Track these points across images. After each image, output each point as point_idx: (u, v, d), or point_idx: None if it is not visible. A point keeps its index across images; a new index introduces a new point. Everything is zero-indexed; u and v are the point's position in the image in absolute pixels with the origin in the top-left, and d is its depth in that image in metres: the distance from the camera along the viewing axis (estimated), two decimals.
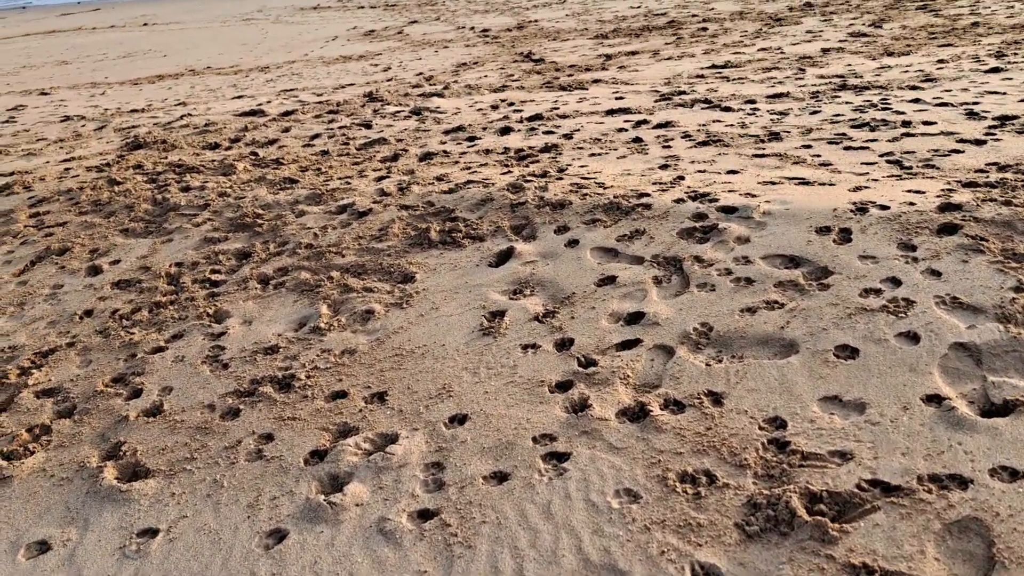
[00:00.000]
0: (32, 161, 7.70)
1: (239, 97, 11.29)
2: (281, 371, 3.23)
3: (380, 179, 5.45)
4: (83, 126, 9.78)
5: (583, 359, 2.96)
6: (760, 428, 2.45)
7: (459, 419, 2.75)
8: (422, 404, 2.87)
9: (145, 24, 29.81)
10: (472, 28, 17.24)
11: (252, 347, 3.46)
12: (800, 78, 7.86)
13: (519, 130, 6.76)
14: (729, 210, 3.87)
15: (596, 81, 9.00)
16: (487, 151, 6.10)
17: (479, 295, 3.57)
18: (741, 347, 2.87)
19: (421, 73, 11.96)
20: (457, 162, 5.85)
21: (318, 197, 5.13)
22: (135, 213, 5.38)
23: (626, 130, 6.28)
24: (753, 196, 4.06)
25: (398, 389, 2.98)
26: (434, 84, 10.51)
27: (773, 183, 4.37)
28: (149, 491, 2.66)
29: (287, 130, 7.93)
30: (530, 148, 6.00)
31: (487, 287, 3.63)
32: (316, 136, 7.43)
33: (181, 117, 9.49)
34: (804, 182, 4.36)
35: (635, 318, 3.16)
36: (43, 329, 3.99)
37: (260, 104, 10.17)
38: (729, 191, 4.20)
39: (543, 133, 6.51)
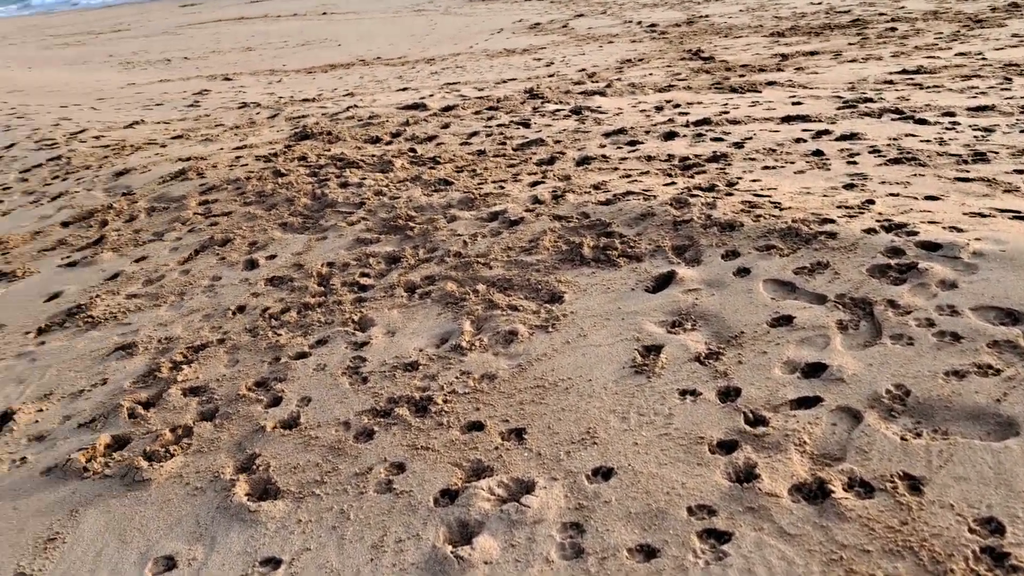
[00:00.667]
0: (209, 147, 8.07)
1: (404, 89, 11.46)
2: (419, 391, 3.06)
3: (535, 184, 5.23)
4: (258, 113, 10.22)
5: (751, 415, 2.60)
6: (970, 530, 2.02)
7: (603, 473, 2.46)
8: (563, 448, 2.61)
9: (324, 13, 31.20)
10: (639, 23, 16.76)
11: (392, 361, 3.32)
12: (1006, 88, 6.95)
13: (684, 135, 6.34)
14: (931, 247, 3.35)
15: (770, 83, 8.39)
16: (649, 158, 5.75)
17: (633, 324, 3.26)
18: (946, 420, 2.41)
19: (584, 69, 11.67)
20: (616, 168, 5.53)
21: (471, 202, 4.97)
22: (295, 207, 5.44)
23: (804, 140, 5.73)
24: (959, 231, 3.50)
25: (538, 427, 2.74)
26: (596, 81, 10.20)
27: (982, 215, 3.78)
28: (277, 514, 2.55)
29: (446, 126, 7.89)
30: (696, 156, 5.59)
31: (642, 316, 3.31)
32: (474, 134, 7.33)
33: (347, 108, 9.71)
34: (1020, 216, 3.73)
35: (815, 370, 2.76)
36: (198, 322, 4.05)
37: (423, 97, 10.25)
38: (929, 222, 3.66)
39: (711, 140, 6.07)
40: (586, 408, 2.79)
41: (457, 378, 3.12)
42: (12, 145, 9.29)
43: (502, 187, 5.24)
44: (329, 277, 4.30)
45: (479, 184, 5.39)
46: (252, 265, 4.66)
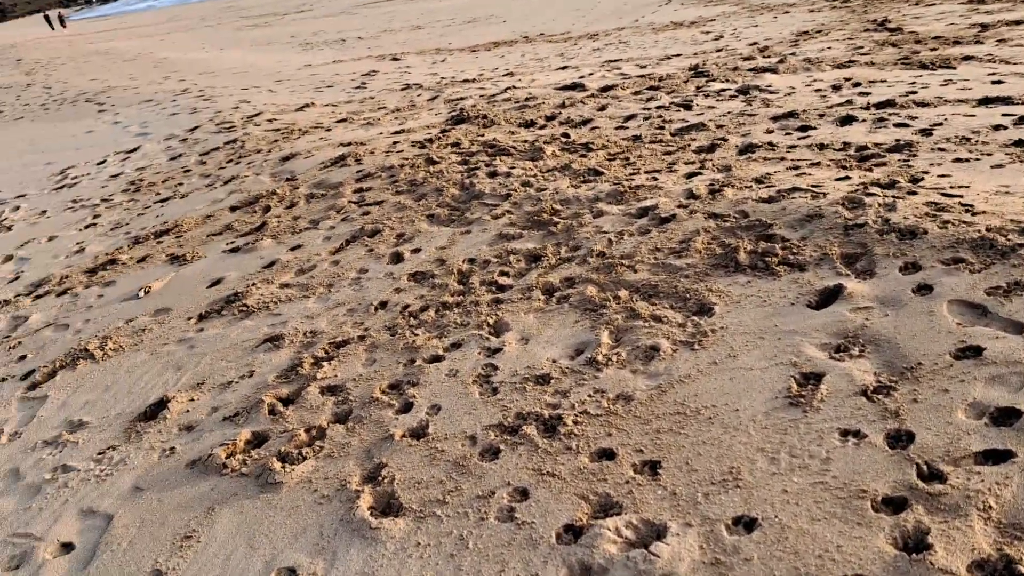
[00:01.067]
0: (369, 131, 8.25)
1: (564, 68, 11.24)
2: (549, 408, 2.90)
3: (691, 176, 4.89)
4: (419, 95, 10.37)
5: (926, 468, 2.23)
6: None
7: (746, 523, 2.20)
8: (701, 489, 2.36)
9: None
10: None
11: (524, 372, 3.17)
12: None
13: (864, 120, 5.74)
14: None
15: (967, 58, 7.47)
16: (821, 146, 5.24)
17: (790, 346, 2.93)
18: None
19: (755, 43, 10.96)
20: (783, 158, 5.08)
21: (620, 195, 4.72)
22: (443, 198, 5.40)
23: (1005, 127, 5.01)
24: None
25: (675, 461, 2.50)
26: (768, 56, 9.53)
27: None
28: (397, 533, 2.48)
29: (603, 108, 7.62)
30: (876, 146, 5.03)
31: (802, 336, 2.97)
32: (631, 117, 7.02)
33: (506, 90, 9.63)
34: None
35: (1007, 416, 2.33)
36: (342, 316, 4.08)
37: (582, 76, 9.99)
38: None
39: (894, 126, 5.45)
40: (730, 443, 2.51)
41: (590, 396, 2.92)
42: (196, 128, 9.96)
43: (655, 178, 4.94)
44: (469, 275, 4.21)
45: (631, 174, 5.12)
46: (398, 259, 4.66)
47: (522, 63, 12.65)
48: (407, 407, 3.15)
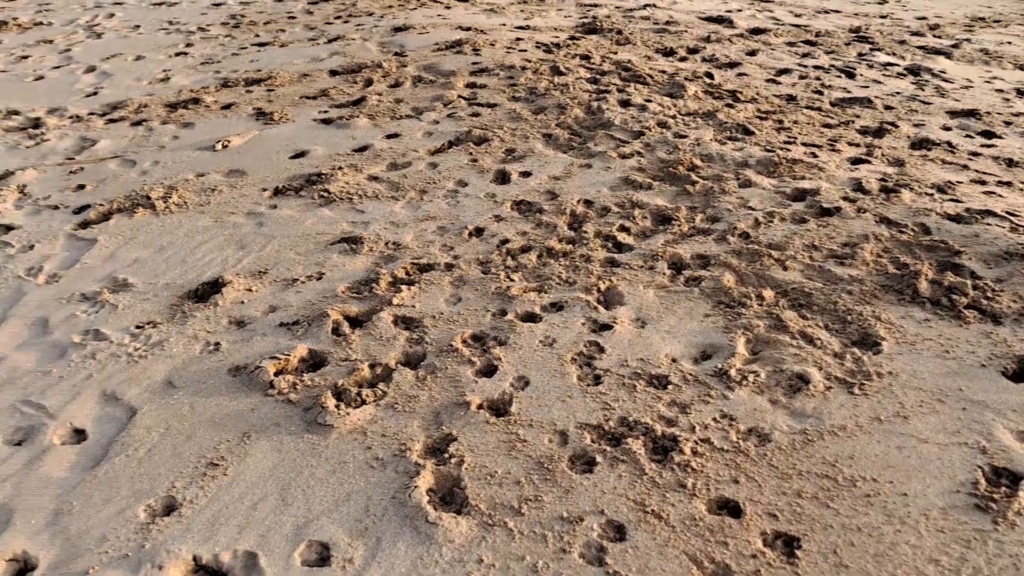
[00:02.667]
0: (491, 19, 7.53)
1: None
2: (662, 423, 2.37)
3: (856, 163, 4.18)
4: None
5: None
6: None
7: None
8: None
9: None
10: None
11: (636, 364, 2.64)
12: None
13: None
14: None
15: None
16: (1011, 162, 4.45)
17: (979, 423, 2.33)
18: None
19: (924, 18, 9.77)
20: (966, 166, 4.32)
21: (772, 165, 4.05)
22: (564, 117, 4.77)
23: None
24: None
25: (818, 545, 1.97)
26: (939, 37, 8.45)
27: None
28: (456, 538, 2.02)
29: (753, 53, 6.78)
30: None
31: (994, 414, 2.37)
32: (784, 72, 6.20)
33: (644, 7, 8.74)
34: None
35: None
36: (431, 234, 3.56)
37: (730, 11, 9.02)
38: None
39: None
40: (893, 540, 1.97)
41: (716, 421, 2.38)
42: None
43: (815, 154, 4.24)
44: (583, 220, 3.63)
45: (785, 143, 4.42)
46: (503, 178, 4.09)
47: None
48: (490, 370, 2.65)
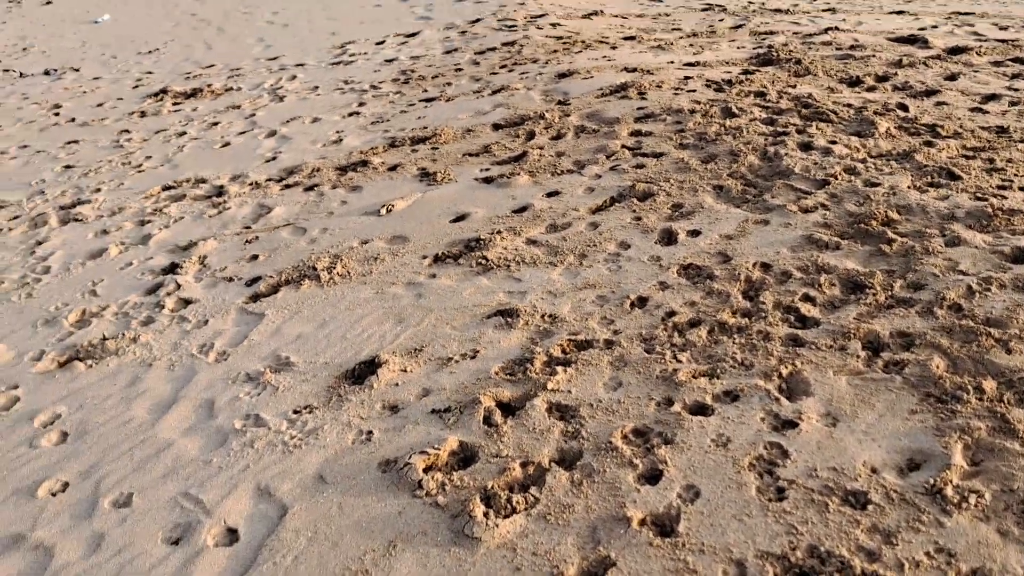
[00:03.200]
0: (659, 57, 7.26)
1: (899, 12, 9.39)
2: (863, 559, 2.00)
3: None
4: (721, 20, 9.11)
5: None
6: None
7: None
8: None
9: None
10: None
11: (827, 475, 2.27)
12: None
13: None
14: None
15: None
16: None
17: None
18: None
19: None
20: None
21: (986, 218, 3.50)
22: (738, 166, 4.42)
23: None
24: None
25: None
26: None
27: None
28: None
29: (953, 77, 6.06)
30: None
31: None
32: (992, 98, 5.47)
33: (825, 31, 8.13)
34: None
35: None
36: (590, 304, 3.35)
37: (923, 29, 8.22)
38: None
39: None
40: None
41: (930, 557, 1.98)
42: (478, 20, 9.45)
43: None
44: (760, 287, 3.27)
45: (999, 188, 3.83)
46: (669, 238, 3.81)
47: None
48: (654, 475, 2.38)
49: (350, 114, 6.67)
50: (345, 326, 3.46)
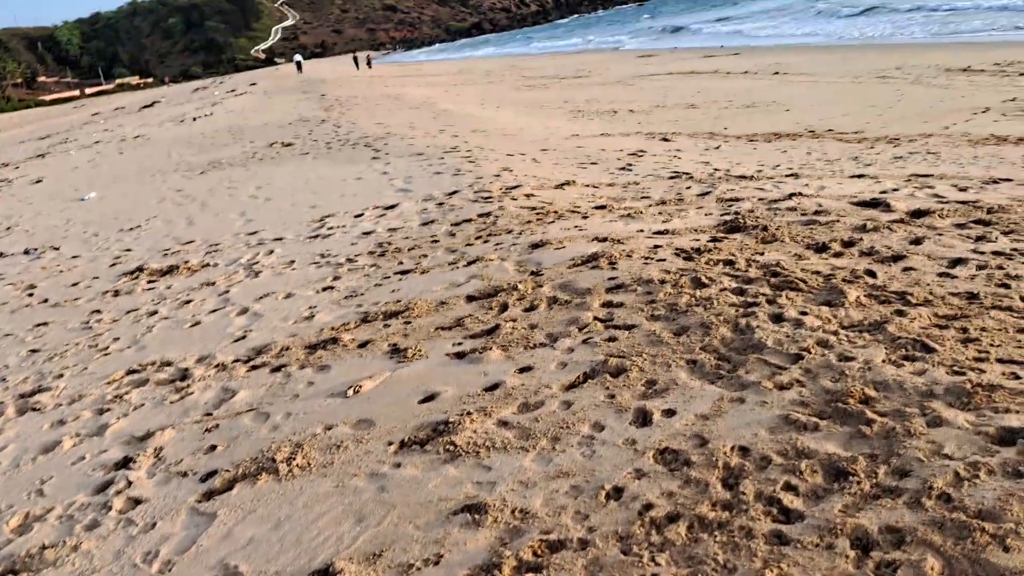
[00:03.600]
0: (629, 226, 7.41)
1: (860, 176, 9.77)
2: None
3: None
4: (688, 188, 9.41)
5: None
6: None
7: None
8: None
9: (776, 73, 29.99)
10: None
11: None
12: None
13: None
14: None
15: None
16: None
17: None
18: None
19: None
20: None
21: (965, 396, 3.40)
22: (710, 339, 4.36)
23: None
24: None
25: None
26: None
27: None
28: None
29: (918, 241, 6.18)
30: None
31: None
32: (959, 262, 5.55)
33: (790, 196, 8.39)
34: None
35: None
36: (563, 496, 3.16)
37: (885, 192, 8.50)
38: None
39: None
40: None
41: None
42: (455, 192, 9.72)
43: (1016, 375, 3.56)
44: (739, 475, 3.11)
45: (976, 359, 3.77)
46: (644, 419, 3.68)
47: (808, 163, 11.31)
48: None
49: (324, 288, 6.67)
50: (301, 527, 3.24)
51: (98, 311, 7.07)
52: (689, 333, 4.51)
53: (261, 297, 6.68)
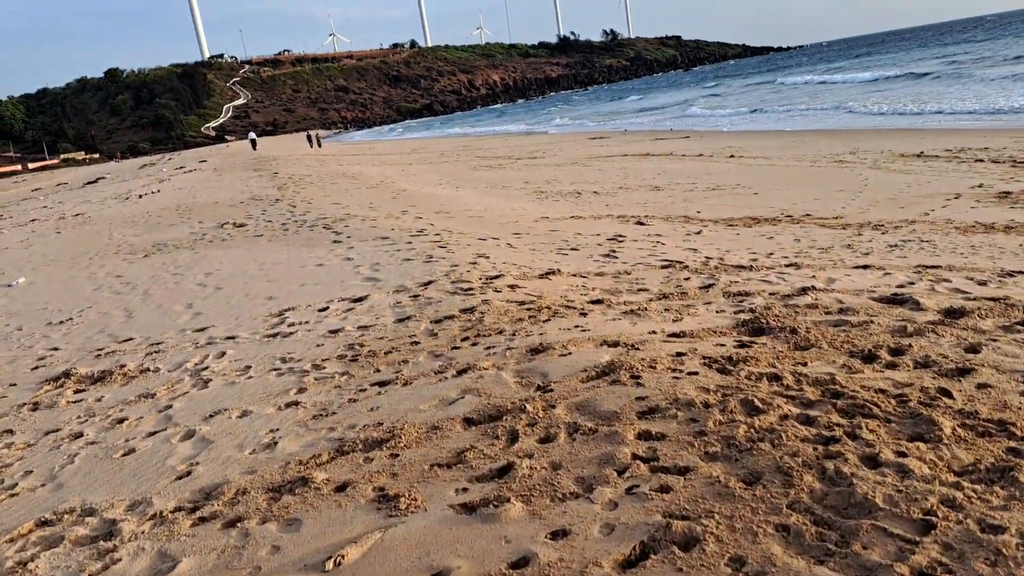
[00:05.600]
0: (637, 326, 6.54)
1: (864, 267, 9.13)
2: None
3: None
4: (686, 279, 8.63)
5: None
6: None
7: None
8: None
9: (732, 156, 30.16)
10: None
11: None
12: None
13: None
14: None
15: None
16: None
17: None
18: None
19: None
20: None
21: None
22: (796, 493, 3.43)
23: None
24: None
25: None
26: None
27: None
28: None
29: (973, 350, 5.42)
30: None
31: None
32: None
33: (803, 290, 7.65)
34: None
35: None
36: None
37: (902, 285, 7.84)
38: None
39: None
40: None
41: None
42: (430, 283, 8.77)
43: None
44: None
45: None
46: None
47: (802, 251, 10.69)
48: None
49: (288, 404, 5.59)
50: None
51: (9, 431, 5.85)
52: (765, 482, 3.58)
53: (211, 415, 5.56)
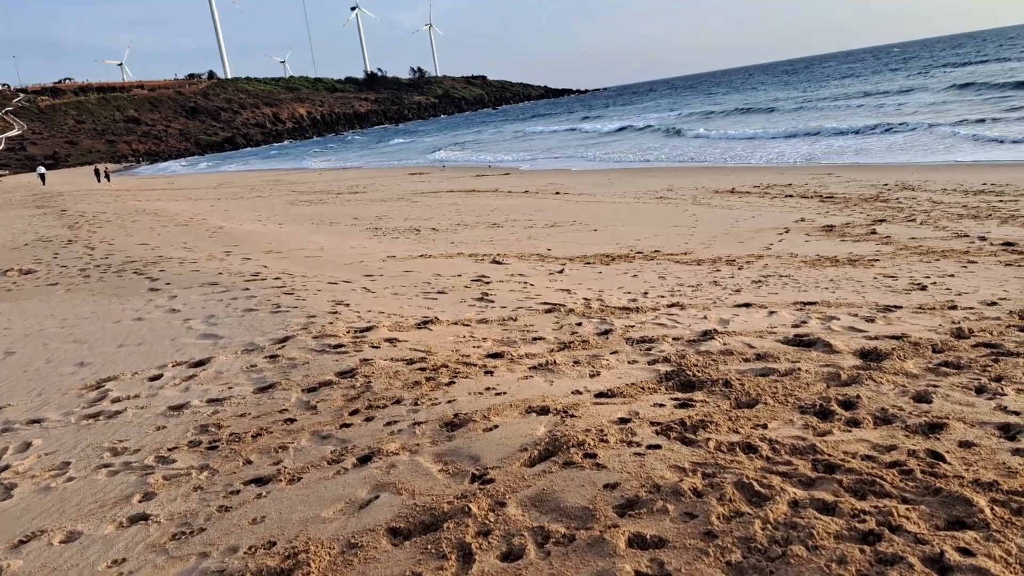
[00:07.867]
0: (555, 384, 5.70)
1: (746, 305, 8.88)
2: None
3: None
4: (579, 324, 7.92)
5: None
6: None
7: None
8: None
9: (557, 193, 30.47)
10: (984, 238, 13.56)
11: None
12: None
13: None
14: None
15: None
16: None
17: None
18: None
19: (993, 303, 8.50)
20: None
21: None
22: None
23: None
24: None
25: None
26: None
27: None
28: None
29: (921, 399, 5.08)
30: None
31: None
32: (1006, 428, 4.44)
33: (705, 334, 7.17)
34: None
35: None
36: None
37: (797, 325, 7.58)
38: None
39: None
40: None
41: None
42: (287, 339, 7.44)
43: None
44: None
45: None
46: None
47: (674, 289, 10.38)
48: None
49: (133, 519, 4.19)
50: None
51: None
52: None
53: (19, 543, 4.04)
